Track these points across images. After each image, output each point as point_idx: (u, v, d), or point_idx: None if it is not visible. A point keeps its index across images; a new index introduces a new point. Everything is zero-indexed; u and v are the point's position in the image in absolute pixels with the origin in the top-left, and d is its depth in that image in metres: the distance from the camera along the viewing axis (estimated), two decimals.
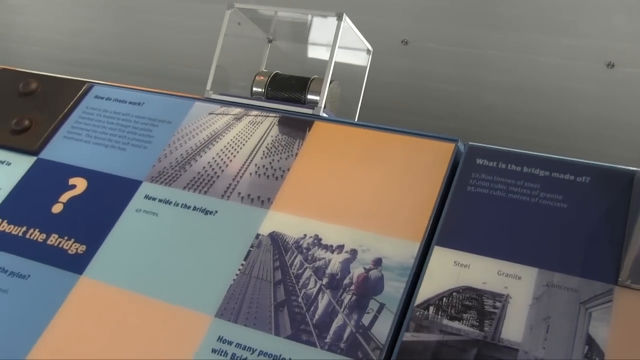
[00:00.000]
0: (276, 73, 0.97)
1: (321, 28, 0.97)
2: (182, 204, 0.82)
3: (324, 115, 0.88)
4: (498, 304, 0.68)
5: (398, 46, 1.38)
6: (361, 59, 1.00)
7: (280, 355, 0.68)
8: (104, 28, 1.78)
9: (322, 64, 1.06)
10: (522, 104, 1.33)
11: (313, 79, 0.94)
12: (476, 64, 1.29)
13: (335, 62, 0.91)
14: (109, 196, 0.84)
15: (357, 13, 0.96)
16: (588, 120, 1.27)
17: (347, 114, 0.98)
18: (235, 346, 0.70)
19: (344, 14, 0.89)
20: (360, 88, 0.98)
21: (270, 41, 1.03)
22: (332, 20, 0.90)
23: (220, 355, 0.69)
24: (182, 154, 0.87)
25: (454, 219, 0.75)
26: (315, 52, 1.03)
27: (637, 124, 1.30)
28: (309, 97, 0.92)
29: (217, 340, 0.70)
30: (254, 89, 0.96)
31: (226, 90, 0.98)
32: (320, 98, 0.88)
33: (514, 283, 0.69)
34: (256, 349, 0.69)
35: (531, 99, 1.33)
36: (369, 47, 1.00)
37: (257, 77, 0.96)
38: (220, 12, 0.94)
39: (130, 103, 0.94)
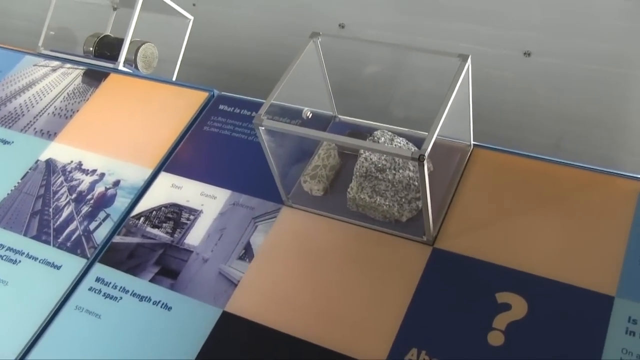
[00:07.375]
0: (106, 35, 1.13)
1: None
2: None
3: (122, 69, 1.05)
4: (192, 217, 0.84)
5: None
6: (182, 28, 1.16)
7: (22, 250, 0.85)
8: None
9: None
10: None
11: (132, 41, 1.10)
12: None
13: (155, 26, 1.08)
14: None
15: None
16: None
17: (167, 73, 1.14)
18: None
19: None
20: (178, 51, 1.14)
21: (115, 9, 1.20)
22: None
23: None
24: (1, 97, 1.05)
25: (185, 151, 0.90)
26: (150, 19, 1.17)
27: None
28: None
29: None
30: (85, 47, 1.13)
31: (72, 48, 1.15)
32: (121, 55, 1.05)
33: (209, 201, 0.84)
34: (6, 246, 0.86)
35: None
36: (188, 16, 1.16)
37: (88, 37, 1.13)
38: None
39: None
